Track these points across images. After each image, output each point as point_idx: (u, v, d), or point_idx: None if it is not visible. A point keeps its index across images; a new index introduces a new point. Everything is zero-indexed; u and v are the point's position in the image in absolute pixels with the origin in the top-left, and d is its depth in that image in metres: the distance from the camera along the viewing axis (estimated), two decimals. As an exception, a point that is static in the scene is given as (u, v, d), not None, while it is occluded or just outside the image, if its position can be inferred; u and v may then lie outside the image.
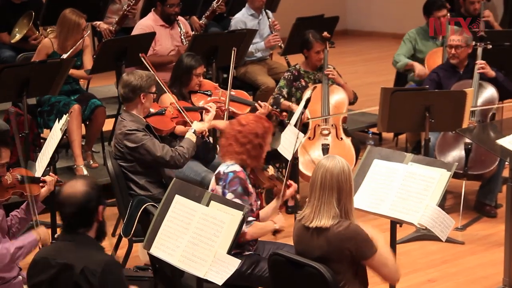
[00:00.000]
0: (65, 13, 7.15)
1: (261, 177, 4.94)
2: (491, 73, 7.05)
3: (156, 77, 6.06)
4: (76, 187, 3.81)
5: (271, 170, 4.99)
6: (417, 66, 7.91)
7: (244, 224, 4.56)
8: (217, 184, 4.74)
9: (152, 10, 7.95)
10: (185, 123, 6.13)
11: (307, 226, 4.09)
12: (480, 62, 7.04)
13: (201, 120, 6.16)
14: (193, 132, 5.75)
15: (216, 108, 6.31)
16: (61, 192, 3.85)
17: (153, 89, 5.73)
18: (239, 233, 4.07)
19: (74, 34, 7.11)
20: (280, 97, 7.22)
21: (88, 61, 7.33)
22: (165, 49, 7.74)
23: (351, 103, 7.41)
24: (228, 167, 4.76)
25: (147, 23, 7.83)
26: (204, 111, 6.22)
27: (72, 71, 7.07)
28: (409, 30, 8.30)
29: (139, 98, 5.64)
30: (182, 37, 7.82)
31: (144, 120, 5.70)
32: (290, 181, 5.00)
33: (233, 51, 6.55)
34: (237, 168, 4.74)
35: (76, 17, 7.09)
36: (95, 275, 3.69)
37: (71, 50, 7.11)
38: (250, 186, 4.76)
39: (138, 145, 5.53)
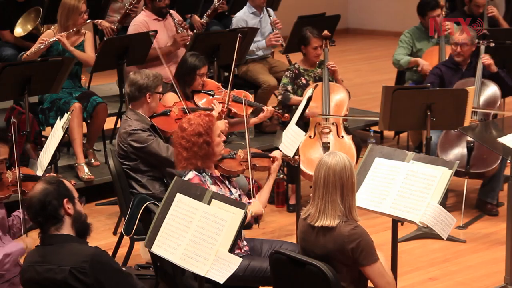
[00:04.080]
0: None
1: (229, 167, 4.91)
2: (494, 67, 7.06)
3: (170, 75, 6.04)
4: (35, 188, 3.81)
5: (241, 153, 4.97)
6: (421, 61, 7.96)
7: None
8: None
9: (143, 7, 7.97)
10: None
11: (312, 225, 4.09)
12: (485, 55, 7.07)
13: None
14: None
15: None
16: (24, 199, 3.89)
17: (160, 89, 5.75)
18: (240, 231, 4.07)
19: (73, 15, 7.20)
20: (288, 93, 7.22)
21: (90, 50, 7.36)
22: (161, 41, 7.72)
23: None
24: (184, 177, 4.75)
25: (140, 19, 7.85)
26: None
27: (78, 54, 7.17)
28: (404, 31, 8.31)
29: (145, 98, 5.66)
30: (177, 26, 7.81)
31: (149, 120, 5.71)
32: (272, 154, 5.06)
33: (238, 38, 6.54)
34: (191, 175, 4.72)
35: (74, 1, 7.21)
36: (84, 272, 3.65)
37: (71, 30, 7.17)
38: (211, 185, 4.73)
39: (143, 145, 5.56)
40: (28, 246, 4.67)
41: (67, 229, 3.79)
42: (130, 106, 5.76)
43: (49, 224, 3.77)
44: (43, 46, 7.09)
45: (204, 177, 4.74)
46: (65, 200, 3.78)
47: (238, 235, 4.06)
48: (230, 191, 4.84)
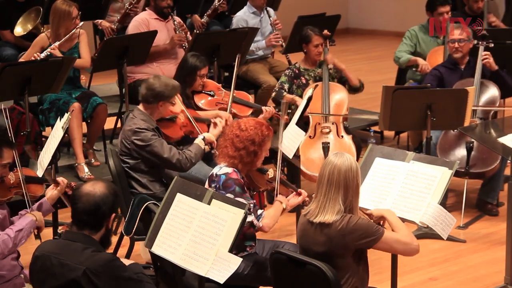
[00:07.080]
0: (56, 3, 7.22)
1: (257, 180, 4.90)
2: (494, 65, 7.04)
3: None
4: (96, 186, 3.83)
5: (271, 173, 4.95)
6: (421, 61, 7.91)
7: (256, 220, 4.59)
8: (210, 186, 4.74)
9: (147, 8, 7.97)
10: (192, 133, 6.12)
11: (311, 221, 4.10)
12: (485, 53, 7.03)
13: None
14: (202, 139, 5.76)
15: (218, 108, 6.31)
16: (80, 188, 3.86)
17: (174, 100, 5.71)
18: (240, 231, 4.07)
19: (65, 21, 7.14)
20: (282, 90, 7.22)
21: (85, 52, 7.32)
22: (160, 41, 7.70)
23: (357, 89, 7.39)
24: (221, 168, 4.75)
25: (141, 16, 7.86)
26: (212, 123, 6.14)
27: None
28: (410, 28, 8.27)
29: (157, 105, 5.63)
30: (177, 27, 7.80)
31: (155, 123, 5.69)
32: (300, 190, 4.93)
33: (237, 58, 6.57)
34: (229, 169, 4.72)
35: (66, 6, 7.15)
36: (98, 275, 3.68)
37: (64, 39, 7.12)
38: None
39: (146, 144, 5.54)
40: (37, 218, 4.66)
41: (96, 237, 3.85)
42: (139, 106, 5.73)
43: (88, 226, 3.82)
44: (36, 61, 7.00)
45: (239, 176, 4.74)
46: (113, 215, 3.87)
47: (238, 235, 4.06)
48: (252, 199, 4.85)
